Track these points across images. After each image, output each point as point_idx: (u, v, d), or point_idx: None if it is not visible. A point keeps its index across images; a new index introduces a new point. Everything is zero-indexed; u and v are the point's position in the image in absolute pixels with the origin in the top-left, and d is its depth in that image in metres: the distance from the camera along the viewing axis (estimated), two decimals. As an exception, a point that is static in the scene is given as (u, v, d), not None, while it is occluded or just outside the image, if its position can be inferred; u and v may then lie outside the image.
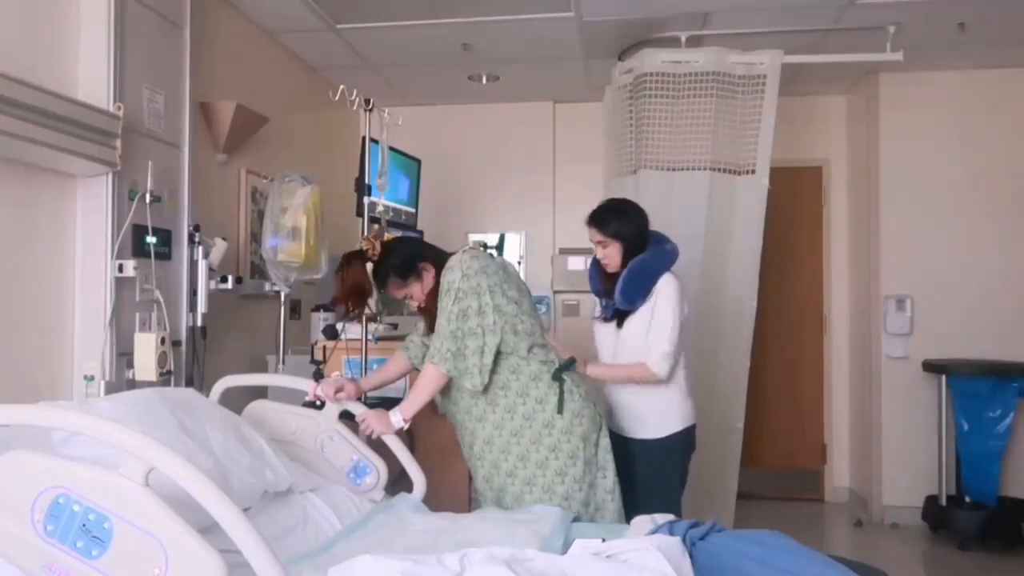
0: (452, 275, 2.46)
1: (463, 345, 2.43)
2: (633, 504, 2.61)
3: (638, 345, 2.71)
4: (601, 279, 2.87)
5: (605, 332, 2.86)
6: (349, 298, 2.60)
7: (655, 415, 2.74)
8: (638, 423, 2.75)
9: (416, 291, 2.59)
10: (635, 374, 2.70)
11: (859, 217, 5.21)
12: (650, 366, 2.65)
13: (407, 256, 2.59)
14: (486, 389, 2.47)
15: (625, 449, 2.70)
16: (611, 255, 2.76)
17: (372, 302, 2.73)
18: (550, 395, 2.49)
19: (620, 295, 2.71)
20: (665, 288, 2.67)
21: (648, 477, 2.72)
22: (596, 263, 2.86)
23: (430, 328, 2.60)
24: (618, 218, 2.75)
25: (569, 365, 2.58)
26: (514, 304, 2.49)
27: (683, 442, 2.77)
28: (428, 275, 2.57)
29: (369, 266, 2.61)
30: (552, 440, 2.47)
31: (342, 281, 2.58)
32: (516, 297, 2.52)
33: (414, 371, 2.78)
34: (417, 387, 2.54)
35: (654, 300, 2.68)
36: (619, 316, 2.77)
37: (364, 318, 3.23)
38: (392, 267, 2.58)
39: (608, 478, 2.54)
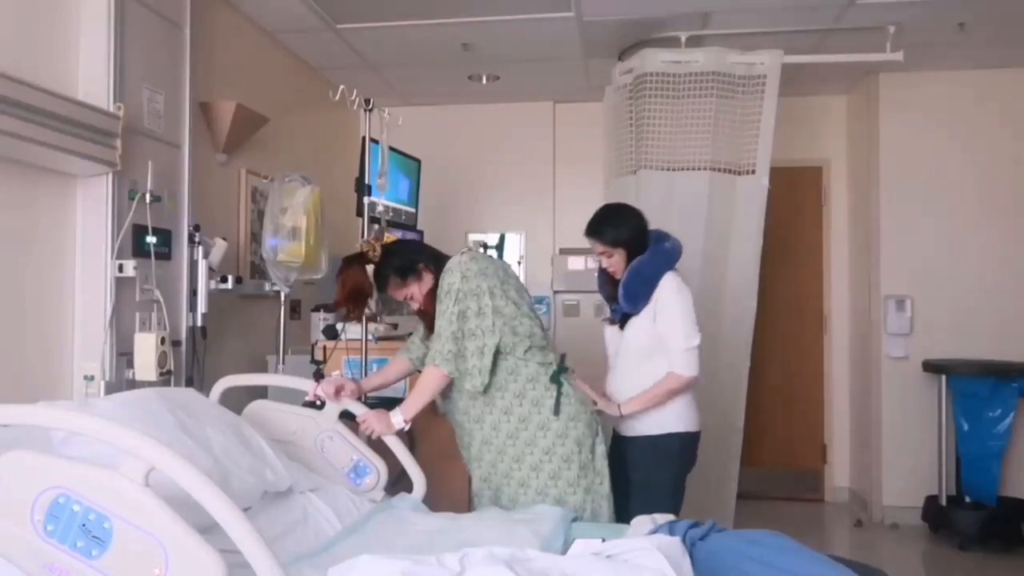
0: (451, 277, 2.48)
1: (463, 346, 2.45)
2: (625, 505, 2.60)
3: (639, 345, 2.70)
4: (607, 284, 2.85)
5: (611, 333, 2.85)
6: (349, 300, 2.63)
7: (653, 413, 2.68)
8: (636, 421, 2.71)
9: (415, 292, 2.61)
10: (666, 388, 2.63)
11: (859, 217, 5.21)
12: (676, 371, 2.62)
13: (406, 257, 2.62)
14: (485, 390, 2.48)
15: (621, 447, 2.73)
16: (616, 263, 2.74)
17: (372, 302, 2.74)
18: (546, 398, 2.49)
19: (623, 299, 2.71)
20: (666, 289, 2.65)
21: (640, 474, 2.70)
22: (603, 268, 2.84)
23: (429, 330, 2.62)
24: (613, 225, 2.73)
25: (564, 367, 2.57)
26: (513, 305, 2.50)
27: (679, 446, 2.70)
28: (427, 276, 2.59)
29: (370, 268, 2.63)
30: (546, 443, 2.48)
31: (342, 284, 2.61)
32: (516, 298, 2.53)
33: (415, 373, 2.79)
34: (418, 388, 2.55)
35: (655, 302, 2.66)
36: (624, 319, 2.76)
37: (364, 318, 3.24)
38: (392, 268, 2.60)
39: (604, 484, 2.53)
